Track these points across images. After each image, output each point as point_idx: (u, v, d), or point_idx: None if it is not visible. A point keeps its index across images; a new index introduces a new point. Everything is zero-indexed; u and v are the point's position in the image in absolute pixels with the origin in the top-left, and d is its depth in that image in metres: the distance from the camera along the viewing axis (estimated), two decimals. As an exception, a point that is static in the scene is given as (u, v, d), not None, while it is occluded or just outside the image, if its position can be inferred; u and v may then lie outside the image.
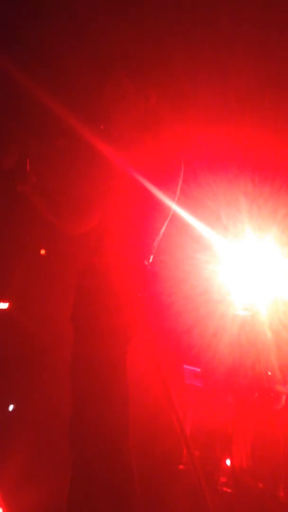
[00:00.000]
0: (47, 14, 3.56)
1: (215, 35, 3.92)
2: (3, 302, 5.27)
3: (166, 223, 2.30)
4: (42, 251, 5.02)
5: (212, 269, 4.23)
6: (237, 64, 4.01)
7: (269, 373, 4.16)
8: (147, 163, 2.12)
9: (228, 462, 4.20)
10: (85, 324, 2.16)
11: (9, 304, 5.33)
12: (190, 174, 2.54)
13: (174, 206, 2.27)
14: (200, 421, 4.54)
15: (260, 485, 3.96)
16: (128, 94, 2.23)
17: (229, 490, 4.01)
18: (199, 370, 4.77)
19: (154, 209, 2.21)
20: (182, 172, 2.28)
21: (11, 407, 5.37)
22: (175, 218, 2.40)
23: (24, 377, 5.12)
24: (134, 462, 2.15)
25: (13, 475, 3.79)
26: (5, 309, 5.29)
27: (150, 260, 2.25)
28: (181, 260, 4.18)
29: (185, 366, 4.68)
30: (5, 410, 5.27)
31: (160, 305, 4.00)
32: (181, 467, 4.21)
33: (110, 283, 2.14)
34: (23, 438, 4.58)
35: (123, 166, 2.09)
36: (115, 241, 2.16)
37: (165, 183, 2.21)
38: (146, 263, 2.23)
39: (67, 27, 3.59)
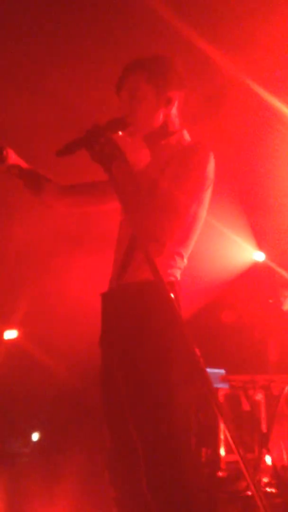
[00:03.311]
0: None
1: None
2: (11, 329, 5.10)
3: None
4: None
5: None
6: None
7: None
8: None
9: (268, 460, 4.07)
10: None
11: (18, 332, 5.17)
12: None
13: None
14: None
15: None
16: None
17: (273, 490, 3.88)
18: (223, 371, 4.67)
19: None
20: None
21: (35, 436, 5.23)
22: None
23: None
24: None
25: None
26: (14, 338, 5.13)
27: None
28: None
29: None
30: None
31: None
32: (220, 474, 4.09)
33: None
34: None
35: None
36: None
37: None
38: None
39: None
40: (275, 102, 4.03)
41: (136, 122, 2.08)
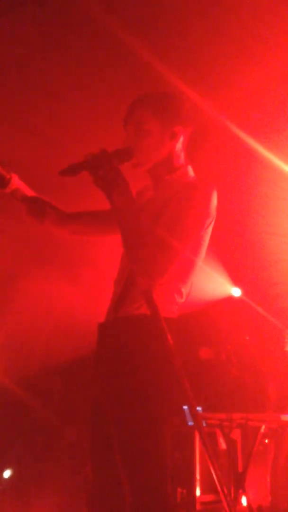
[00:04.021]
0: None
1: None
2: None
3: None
4: None
5: None
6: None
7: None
8: None
9: (243, 501, 4.02)
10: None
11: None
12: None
13: None
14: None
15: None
16: None
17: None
18: (200, 409, 4.64)
19: None
20: None
21: (7, 473, 5.11)
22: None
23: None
24: None
25: None
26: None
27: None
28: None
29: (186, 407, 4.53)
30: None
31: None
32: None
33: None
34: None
35: None
36: None
37: None
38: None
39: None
40: (252, 143, 4.14)
41: (140, 155, 2.11)
